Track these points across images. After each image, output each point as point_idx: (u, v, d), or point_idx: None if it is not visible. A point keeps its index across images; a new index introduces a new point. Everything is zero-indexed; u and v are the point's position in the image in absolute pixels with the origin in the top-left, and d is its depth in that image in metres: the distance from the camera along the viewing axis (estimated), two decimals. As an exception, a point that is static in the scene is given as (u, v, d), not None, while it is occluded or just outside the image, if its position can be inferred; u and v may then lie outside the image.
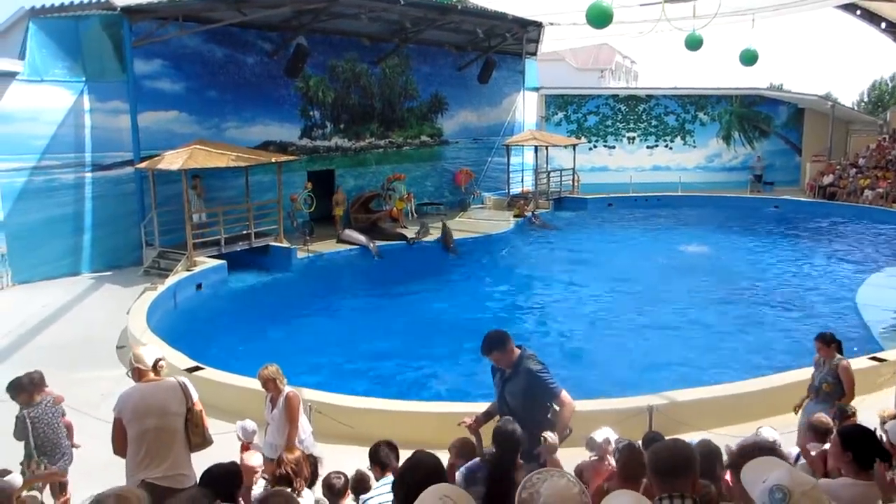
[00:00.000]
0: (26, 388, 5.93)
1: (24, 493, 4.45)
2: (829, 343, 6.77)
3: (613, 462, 4.64)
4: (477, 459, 4.38)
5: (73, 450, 6.18)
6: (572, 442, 5.24)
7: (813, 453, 4.70)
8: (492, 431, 4.41)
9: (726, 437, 4.73)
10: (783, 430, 4.88)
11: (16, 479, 4.17)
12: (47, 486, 6.02)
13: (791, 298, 14.87)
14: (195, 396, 4.99)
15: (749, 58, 14.88)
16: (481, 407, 5.73)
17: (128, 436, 4.69)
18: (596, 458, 4.92)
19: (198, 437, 4.90)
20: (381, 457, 4.50)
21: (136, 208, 16.79)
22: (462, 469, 4.30)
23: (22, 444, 5.94)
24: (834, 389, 6.62)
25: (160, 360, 5.07)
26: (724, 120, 31.12)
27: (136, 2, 15.82)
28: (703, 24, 14.63)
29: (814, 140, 30.52)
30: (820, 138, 30.31)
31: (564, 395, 5.11)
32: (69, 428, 6.28)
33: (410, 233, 20.50)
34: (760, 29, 16.83)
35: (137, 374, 4.95)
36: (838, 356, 6.71)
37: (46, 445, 5.89)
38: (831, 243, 21.02)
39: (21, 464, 5.92)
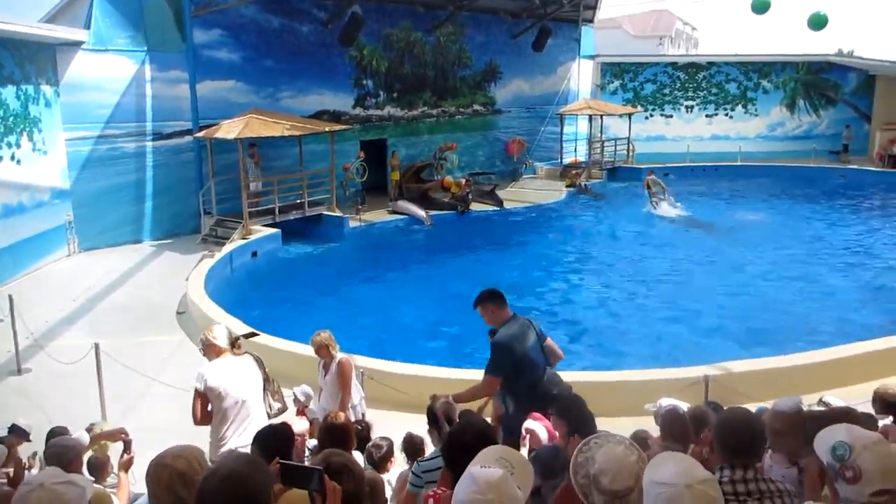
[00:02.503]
0: None
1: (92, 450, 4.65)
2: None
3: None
4: (548, 447, 3.91)
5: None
6: (624, 411, 5.22)
7: (880, 423, 4.55)
8: (554, 410, 4.06)
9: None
10: (847, 402, 4.78)
11: (83, 436, 4.37)
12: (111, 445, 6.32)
13: (856, 271, 14.39)
14: (266, 368, 5.24)
15: (818, 22, 14.21)
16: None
17: (212, 409, 4.83)
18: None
19: (280, 403, 5.24)
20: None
21: (194, 177, 17.15)
22: (534, 459, 3.48)
23: None
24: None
25: (239, 338, 5.25)
26: (789, 87, 29.92)
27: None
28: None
29: (885, 108, 29.02)
30: (892, 106, 28.80)
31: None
32: None
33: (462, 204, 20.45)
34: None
35: (213, 350, 5.00)
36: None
37: None
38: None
39: None
